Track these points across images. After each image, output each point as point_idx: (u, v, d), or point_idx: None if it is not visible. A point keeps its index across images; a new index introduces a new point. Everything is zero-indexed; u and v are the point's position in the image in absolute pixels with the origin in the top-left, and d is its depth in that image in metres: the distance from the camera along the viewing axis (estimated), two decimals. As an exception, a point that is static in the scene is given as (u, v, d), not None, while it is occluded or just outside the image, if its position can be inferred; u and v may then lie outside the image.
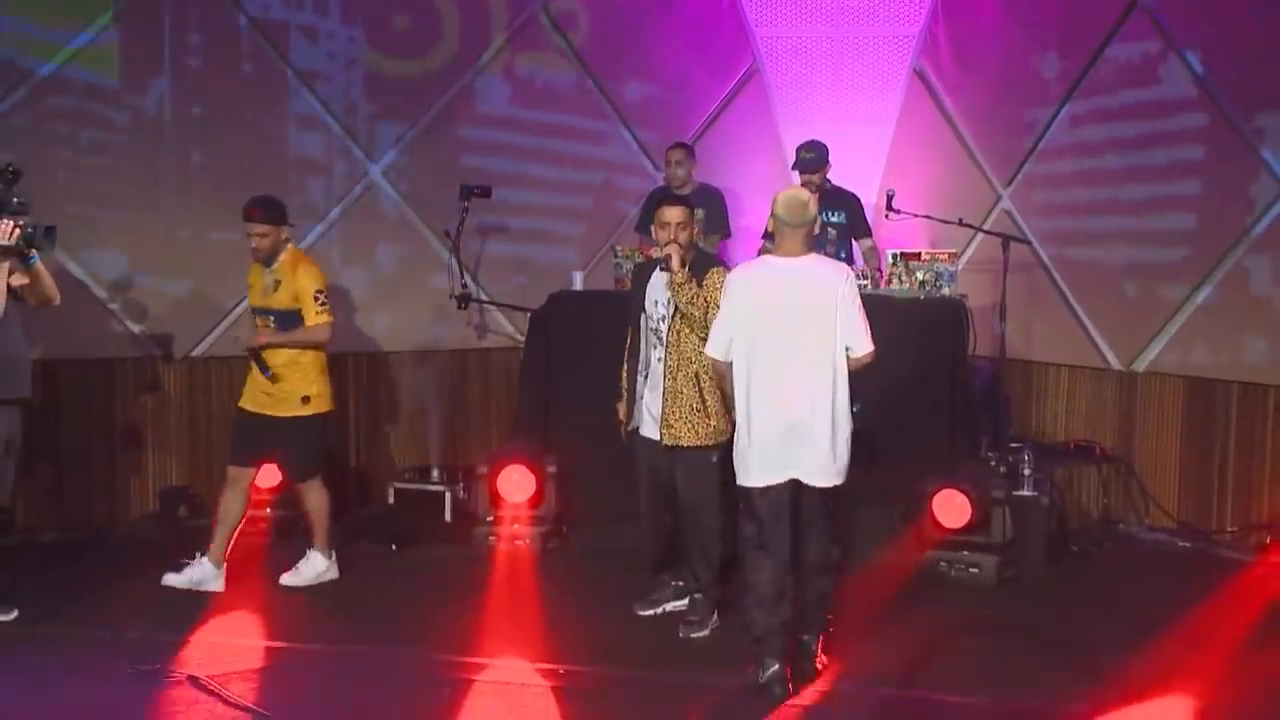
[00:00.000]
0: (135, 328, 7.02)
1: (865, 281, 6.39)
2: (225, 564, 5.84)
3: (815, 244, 4.95)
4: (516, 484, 6.46)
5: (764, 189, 7.58)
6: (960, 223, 7.15)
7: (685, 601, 5.51)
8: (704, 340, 5.00)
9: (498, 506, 6.50)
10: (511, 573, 6.14)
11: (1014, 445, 6.66)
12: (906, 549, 6.00)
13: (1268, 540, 6.40)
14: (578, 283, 7.27)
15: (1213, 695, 4.57)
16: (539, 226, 8.10)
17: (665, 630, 5.37)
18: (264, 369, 5.76)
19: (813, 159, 6.98)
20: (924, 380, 6.17)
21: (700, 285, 5.15)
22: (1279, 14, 6.58)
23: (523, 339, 7.44)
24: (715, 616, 5.35)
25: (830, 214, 6.93)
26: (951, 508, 5.94)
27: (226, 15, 7.14)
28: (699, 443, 5.23)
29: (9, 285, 5.20)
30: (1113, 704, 4.49)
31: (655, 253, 5.33)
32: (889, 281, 6.54)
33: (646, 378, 5.39)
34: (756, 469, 4.68)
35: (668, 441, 5.25)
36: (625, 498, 5.62)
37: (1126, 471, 7.17)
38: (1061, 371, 7.59)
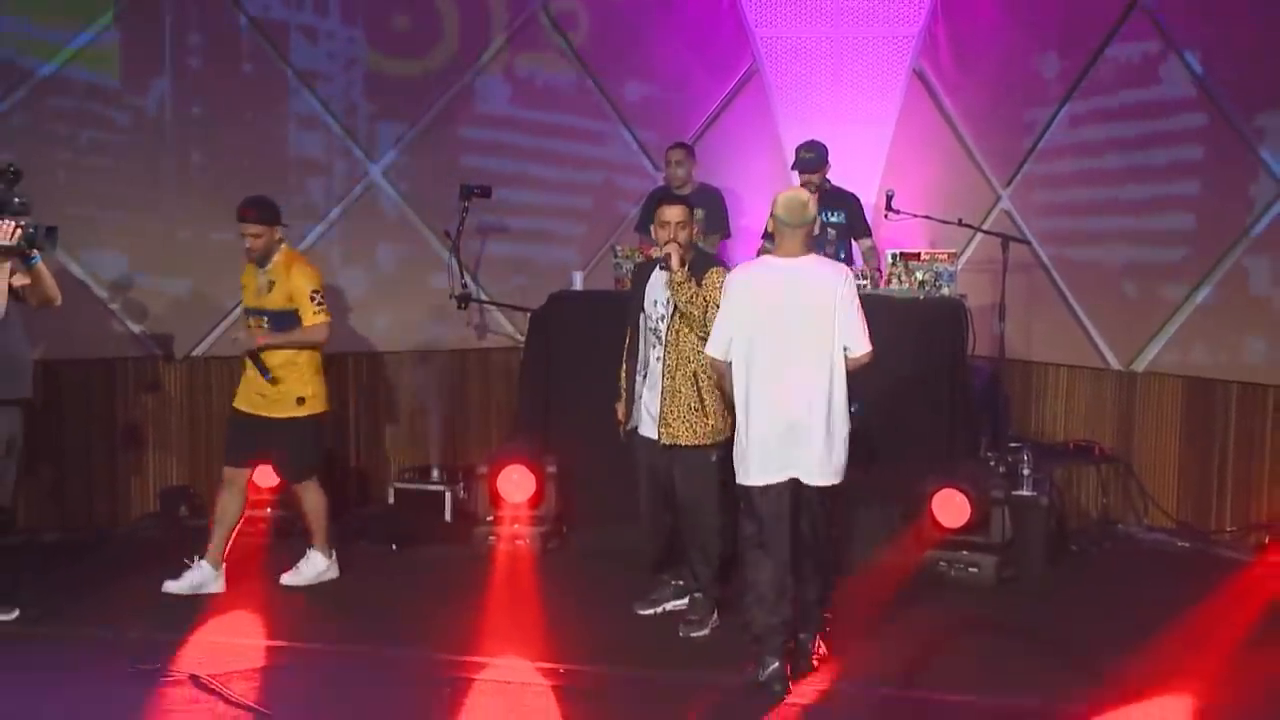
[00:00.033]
0: (136, 328, 7.03)
1: (865, 281, 6.40)
2: (224, 564, 5.84)
3: (815, 244, 4.96)
4: (516, 484, 6.47)
5: (764, 189, 7.60)
6: (960, 223, 7.16)
7: (685, 601, 5.52)
8: (703, 339, 5.03)
9: (498, 506, 6.50)
10: (511, 572, 6.14)
11: (1013, 445, 6.67)
12: (906, 549, 6.01)
13: (1266, 540, 6.40)
14: (578, 283, 7.27)
15: (1212, 695, 4.57)
16: (539, 226, 8.11)
17: (665, 629, 5.38)
18: (264, 372, 5.75)
19: (812, 159, 6.99)
20: (923, 380, 6.18)
21: (699, 285, 5.16)
22: (1278, 14, 6.59)
23: (523, 339, 7.45)
24: (715, 616, 5.36)
25: (830, 214, 6.94)
26: (951, 507, 5.95)
27: (226, 15, 7.14)
28: (697, 442, 5.24)
29: (10, 286, 5.21)
30: (1112, 704, 4.49)
31: (655, 252, 5.34)
32: (888, 281, 6.55)
33: (645, 377, 5.40)
34: (756, 468, 4.70)
35: (666, 440, 5.26)
36: (625, 497, 5.62)
37: (1126, 471, 7.18)
38: (1061, 371, 7.60)
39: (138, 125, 6.98)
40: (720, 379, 4.99)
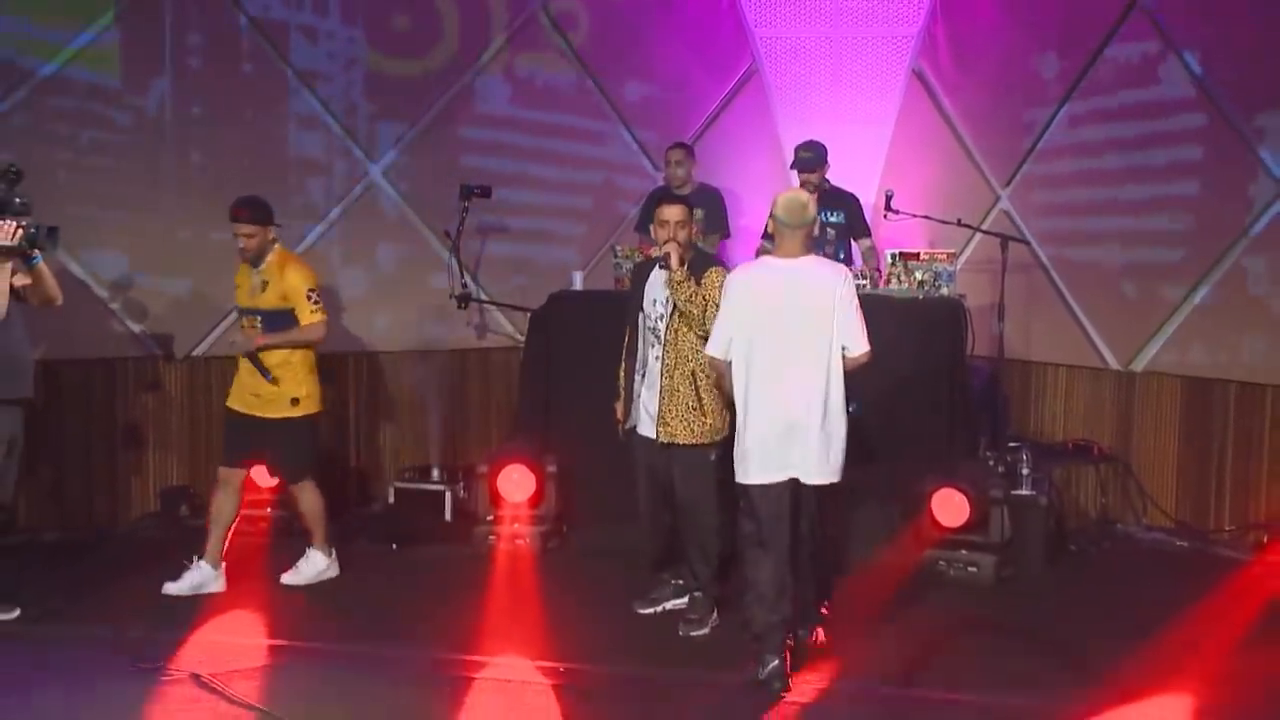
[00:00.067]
0: (136, 327, 7.03)
1: (864, 281, 6.41)
2: (224, 564, 5.85)
3: (814, 244, 4.98)
4: (516, 483, 6.48)
5: (763, 189, 7.61)
6: (959, 223, 7.17)
7: (685, 600, 5.53)
8: (702, 338, 5.06)
9: (498, 506, 6.51)
10: (512, 572, 6.15)
11: (1012, 445, 6.67)
12: (905, 548, 6.02)
13: (1265, 539, 6.41)
14: (578, 283, 7.28)
15: (1210, 694, 4.58)
16: (539, 226, 8.12)
17: (665, 628, 5.39)
18: (265, 373, 5.75)
19: (810, 158, 7.00)
20: (923, 380, 6.19)
21: (699, 284, 5.17)
22: (1278, 14, 6.59)
23: (523, 339, 7.46)
24: (715, 615, 5.37)
25: (829, 214, 6.95)
26: (950, 507, 5.96)
27: (226, 15, 7.15)
28: (695, 440, 5.25)
29: (11, 285, 5.21)
30: (1110, 703, 4.50)
31: (655, 252, 5.35)
32: (888, 281, 6.56)
33: (644, 376, 5.41)
34: (755, 467, 4.73)
35: (664, 439, 5.27)
36: (625, 497, 5.63)
37: (1124, 471, 7.20)
38: (1060, 371, 7.61)
39: (138, 125, 6.98)
40: (720, 378, 5.01)
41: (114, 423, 6.97)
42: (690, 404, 5.23)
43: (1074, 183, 7.52)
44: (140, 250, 7.00)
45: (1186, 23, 6.97)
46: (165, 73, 7.01)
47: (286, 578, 5.95)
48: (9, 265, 5.16)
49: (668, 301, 5.26)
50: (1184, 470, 7.05)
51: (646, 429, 5.38)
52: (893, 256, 6.57)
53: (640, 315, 5.45)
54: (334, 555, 6.07)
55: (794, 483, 4.71)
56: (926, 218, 7.17)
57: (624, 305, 5.64)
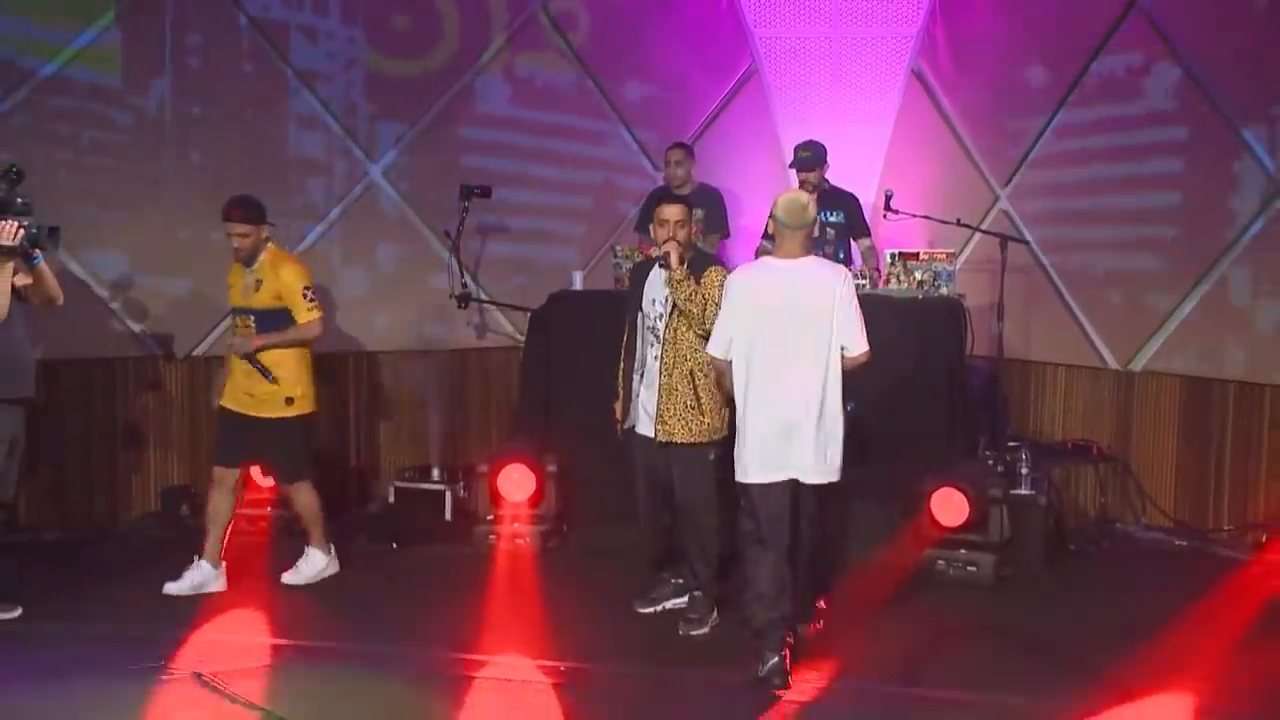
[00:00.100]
0: (136, 327, 7.04)
1: (864, 281, 6.43)
2: (224, 563, 5.85)
3: (814, 244, 5.00)
4: (517, 483, 6.48)
5: (763, 189, 7.63)
6: (958, 223, 7.18)
7: (685, 599, 5.54)
8: (702, 337, 5.09)
9: (498, 505, 6.52)
10: (512, 571, 6.16)
11: (1012, 444, 6.68)
12: (905, 547, 6.02)
13: (1264, 539, 6.41)
14: (577, 282, 7.29)
15: (1209, 693, 4.58)
16: (539, 226, 8.13)
17: (665, 628, 5.40)
18: (266, 374, 5.73)
19: (809, 157, 7.02)
20: (922, 380, 6.20)
21: (698, 284, 5.18)
22: (1277, 17, 6.60)
23: (523, 339, 7.47)
24: (715, 614, 5.38)
25: (828, 214, 6.96)
26: (949, 506, 5.97)
27: (227, 15, 7.16)
28: (692, 439, 5.26)
29: (13, 285, 5.22)
30: (1109, 702, 4.51)
31: (655, 252, 5.36)
32: (887, 281, 6.57)
33: (642, 376, 5.42)
34: (755, 467, 4.75)
35: (662, 438, 5.28)
36: (625, 496, 5.64)
37: (1123, 471, 7.21)
38: (1059, 371, 7.62)
39: (138, 125, 6.99)
40: (721, 378, 5.03)
41: (114, 422, 6.98)
42: (688, 403, 5.24)
43: (1073, 182, 7.52)
44: (140, 250, 7.01)
45: (1188, 24, 6.96)
46: (165, 73, 7.02)
47: (287, 577, 5.95)
48: (10, 265, 5.16)
49: (667, 301, 5.27)
50: (1183, 470, 7.06)
51: (645, 428, 5.39)
52: (892, 256, 6.58)
53: (639, 315, 5.46)
54: (333, 552, 6.07)
55: (793, 482, 4.73)
56: (926, 217, 7.18)
57: (623, 305, 5.65)
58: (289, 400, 5.79)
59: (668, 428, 5.27)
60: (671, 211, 5.28)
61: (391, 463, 7.66)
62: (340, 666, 4.93)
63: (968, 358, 6.58)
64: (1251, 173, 6.73)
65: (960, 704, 4.60)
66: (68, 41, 6.75)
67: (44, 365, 5.91)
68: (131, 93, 6.95)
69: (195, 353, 7.18)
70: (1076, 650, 5.15)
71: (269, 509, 6.64)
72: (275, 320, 5.77)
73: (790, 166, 7.20)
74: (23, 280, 5.27)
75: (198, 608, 5.52)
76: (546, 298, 7.13)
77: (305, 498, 5.97)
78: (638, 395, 5.44)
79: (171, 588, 5.70)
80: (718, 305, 5.02)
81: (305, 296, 5.78)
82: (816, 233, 5.30)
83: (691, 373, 5.24)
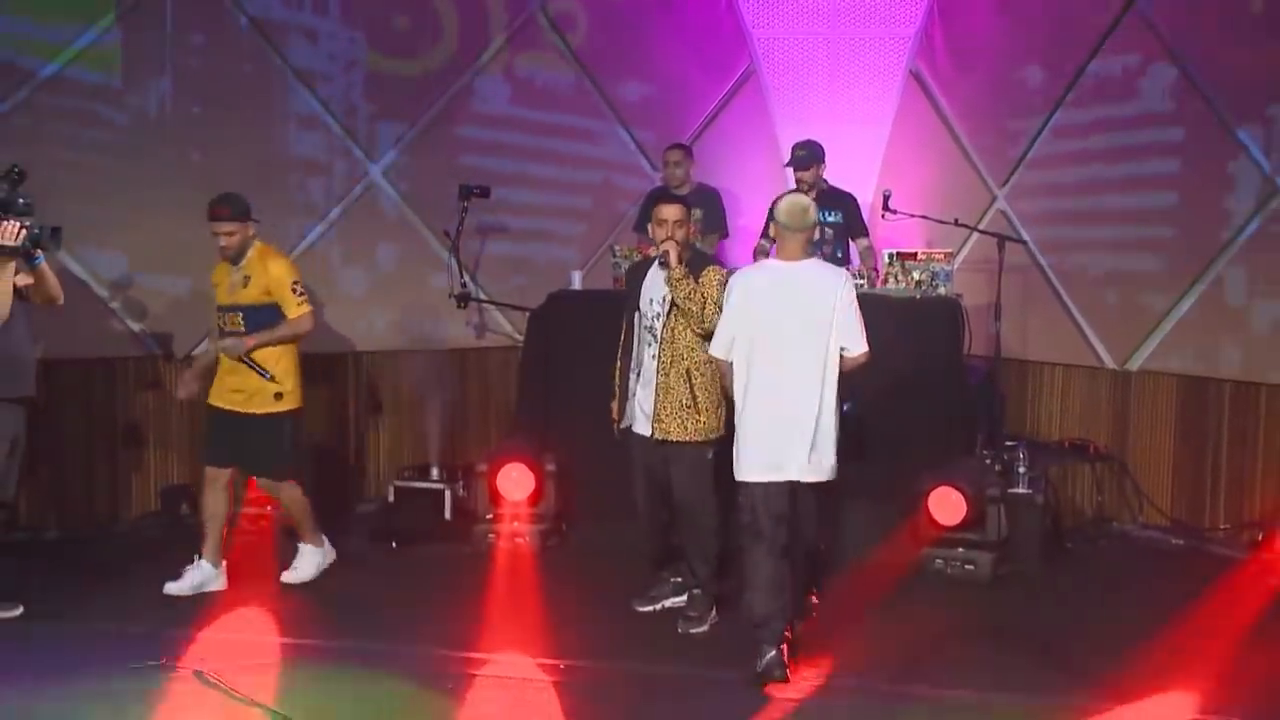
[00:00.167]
0: (136, 326, 7.05)
1: (862, 281, 6.44)
2: (224, 561, 5.86)
3: (813, 245, 5.04)
4: (516, 482, 6.49)
5: (761, 189, 7.65)
6: (956, 223, 7.19)
7: (684, 598, 5.56)
8: (700, 336, 5.14)
9: (497, 504, 6.53)
10: (512, 570, 6.18)
11: (1009, 443, 6.70)
12: (903, 546, 6.05)
13: (1260, 537, 6.43)
14: (576, 282, 7.31)
15: (1206, 692, 4.60)
16: (538, 226, 8.14)
17: (664, 626, 5.41)
18: (263, 373, 5.72)
19: (805, 156, 7.04)
20: (920, 379, 6.21)
21: (696, 283, 5.21)
22: (1274, 18, 6.62)
23: (522, 338, 7.48)
24: (714, 612, 5.40)
25: (827, 214, 6.97)
26: (947, 505, 5.99)
27: (227, 15, 7.17)
28: (688, 438, 5.28)
29: (14, 285, 5.23)
30: (1106, 700, 4.53)
31: (653, 251, 5.38)
32: (885, 281, 6.59)
33: (639, 375, 5.44)
34: (753, 466, 4.79)
35: (658, 436, 5.30)
36: (624, 495, 5.65)
37: (1120, 469, 7.23)
38: (1056, 370, 7.64)
39: (138, 125, 7.00)
40: (722, 378, 5.07)
41: (114, 422, 6.98)
42: (685, 401, 5.26)
43: (1071, 182, 7.53)
44: (140, 250, 7.01)
45: (1189, 25, 6.96)
46: (166, 73, 7.03)
47: (286, 577, 5.96)
48: (12, 265, 5.18)
49: (664, 300, 5.29)
50: (1179, 468, 7.08)
51: (642, 427, 5.41)
52: (890, 256, 6.61)
53: (636, 314, 5.48)
54: (327, 543, 6.06)
55: (790, 481, 4.77)
56: (924, 217, 7.20)
57: (621, 305, 5.67)
58: (278, 395, 5.76)
59: (664, 426, 5.29)
60: (670, 211, 5.30)
61: (391, 462, 7.67)
62: (341, 665, 4.95)
63: (965, 357, 6.60)
64: (1247, 173, 6.75)
65: (957, 702, 4.61)
66: (68, 41, 6.76)
67: (44, 365, 5.92)
68: (132, 93, 6.96)
69: (195, 352, 7.14)
70: (1073, 648, 5.17)
71: (269, 508, 6.64)
72: (264, 316, 5.74)
73: (786, 165, 7.22)
74: (24, 280, 5.29)
75: (199, 606, 5.54)
76: (545, 297, 7.15)
77: (289, 493, 5.95)
78: (634, 395, 5.46)
79: (172, 587, 5.70)
80: (716, 304, 5.07)
81: (295, 291, 5.76)
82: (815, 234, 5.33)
83: (688, 372, 5.26)
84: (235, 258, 5.76)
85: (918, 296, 6.49)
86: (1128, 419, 7.30)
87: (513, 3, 7.93)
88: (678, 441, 5.28)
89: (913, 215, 7.10)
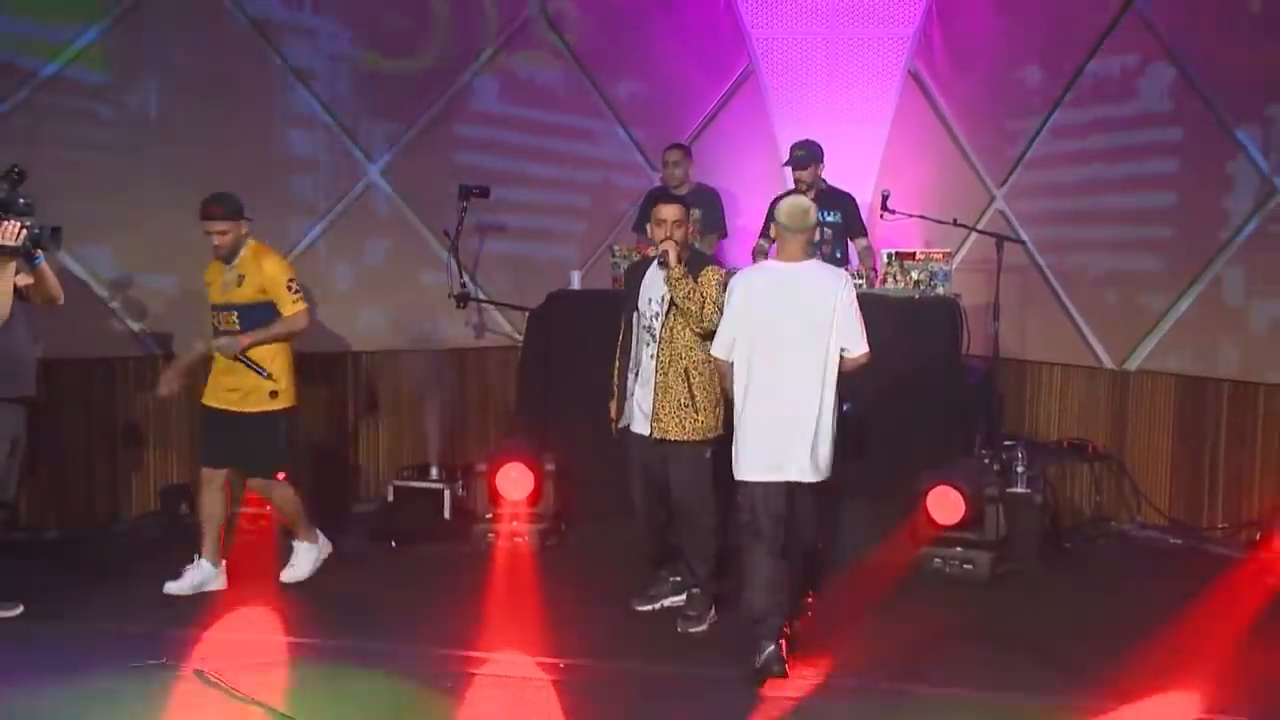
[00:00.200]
0: (135, 326, 7.05)
1: (860, 281, 6.45)
2: (223, 561, 5.86)
3: (813, 246, 5.06)
4: (515, 481, 6.50)
5: (760, 189, 7.66)
6: (954, 223, 7.20)
7: (683, 597, 5.57)
8: (699, 335, 5.16)
9: (497, 504, 6.54)
10: (511, 569, 6.18)
11: (1007, 443, 6.70)
12: (901, 545, 6.06)
13: (1258, 536, 6.43)
14: (575, 282, 7.31)
15: (1205, 691, 4.60)
16: (537, 226, 8.15)
17: (664, 625, 5.42)
18: (260, 371, 5.72)
19: (803, 156, 7.05)
20: (919, 379, 6.22)
21: (695, 283, 5.22)
22: (1272, 18, 6.63)
23: (521, 338, 7.49)
24: (713, 612, 5.41)
25: (826, 214, 6.97)
26: (945, 504, 6.00)
27: (226, 16, 7.17)
28: (687, 437, 5.29)
29: (15, 285, 5.24)
30: (1105, 700, 4.53)
31: (652, 251, 5.39)
32: (884, 281, 6.60)
33: (637, 375, 5.45)
34: (753, 465, 4.81)
35: (657, 434, 5.31)
36: (623, 495, 5.66)
37: (1119, 469, 7.24)
38: (1055, 370, 7.65)
39: (138, 125, 6.99)
40: (722, 378, 5.09)
41: (114, 422, 6.99)
42: (683, 400, 5.27)
43: (1070, 182, 7.54)
44: (140, 250, 7.01)
45: (1187, 25, 6.97)
46: (165, 73, 7.03)
47: (285, 575, 5.96)
48: (12, 265, 5.18)
49: (663, 300, 5.30)
50: (1178, 468, 7.09)
51: (640, 426, 5.42)
52: (889, 256, 6.61)
53: (635, 314, 5.49)
54: (322, 537, 6.06)
55: (789, 481, 4.79)
56: (922, 217, 7.20)
57: (620, 304, 5.68)
58: (273, 394, 5.75)
59: (662, 425, 5.30)
60: (669, 211, 5.31)
61: (390, 462, 7.68)
62: (340, 664, 4.95)
63: (964, 357, 6.61)
64: (1246, 173, 6.76)
65: (956, 700, 4.62)
66: (68, 41, 6.76)
67: (44, 365, 5.92)
68: (131, 93, 6.96)
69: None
70: (1071, 647, 5.17)
71: (268, 508, 6.63)
72: (259, 314, 5.73)
73: (784, 164, 7.23)
74: (24, 280, 5.30)
75: (199, 606, 5.54)
76: (545, 297, 7.15)
77: (280, 492, 5.95)
78: (633, 394, 5.47)
79: (172, 587, 5.70)
80: (715, 303, 5.08)
81: (290, 289, 5.75)
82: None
83: (686, 371, 5.27)
84: (228, 257, 5.74)
85: (916, 296, 6.49)
86: (1126, 419, 7.31)
87: (511, 2, 7.94)
88: (676, 441, 5.29)
89: (911, 215, 7.11)
